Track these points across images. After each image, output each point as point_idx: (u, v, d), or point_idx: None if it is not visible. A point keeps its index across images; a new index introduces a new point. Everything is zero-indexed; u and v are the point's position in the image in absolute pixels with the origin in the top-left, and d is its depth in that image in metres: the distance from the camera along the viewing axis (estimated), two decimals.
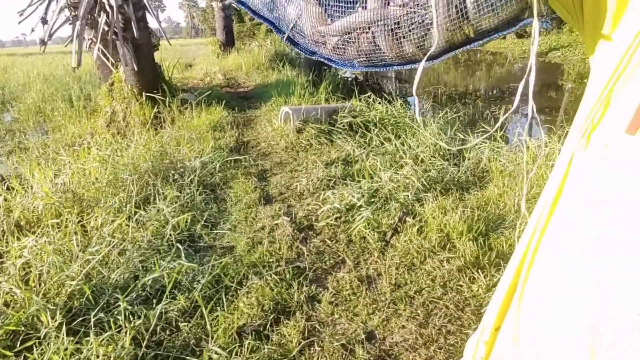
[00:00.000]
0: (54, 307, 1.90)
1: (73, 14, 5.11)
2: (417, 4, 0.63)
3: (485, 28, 0.62)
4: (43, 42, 4.84)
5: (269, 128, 5.22)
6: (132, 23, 5.07)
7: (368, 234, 2.61)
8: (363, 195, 3.03)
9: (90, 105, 6.84)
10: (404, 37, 0.67)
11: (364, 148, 4.10)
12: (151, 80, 5.83)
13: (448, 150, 3.87)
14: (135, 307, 1.99)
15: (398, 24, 0.66)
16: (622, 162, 0.44)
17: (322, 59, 0.79)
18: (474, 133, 4.00)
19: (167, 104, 5.72)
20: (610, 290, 0.43)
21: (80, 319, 1.88)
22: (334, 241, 2.66)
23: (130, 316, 1.93)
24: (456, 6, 0.61)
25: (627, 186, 0.43)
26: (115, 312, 1.94)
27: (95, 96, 6.99)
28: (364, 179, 3.32)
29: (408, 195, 3.00)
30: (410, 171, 3.33)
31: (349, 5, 0.68)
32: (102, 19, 5.06)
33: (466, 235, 2.46)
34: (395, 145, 3.97)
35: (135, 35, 5.11)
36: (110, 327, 1.82)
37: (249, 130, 5.44)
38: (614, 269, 0.43)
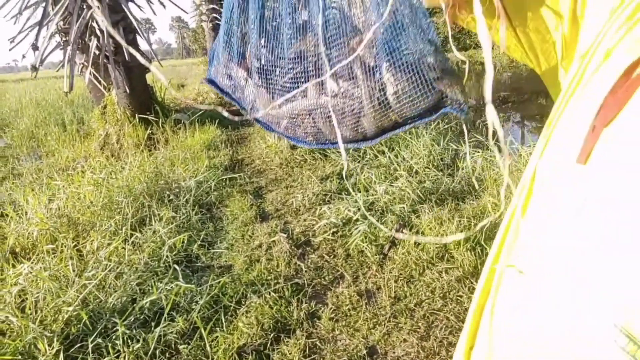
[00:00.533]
0: (51, 334, 1.87)
1: (64, 39, 5.15)
2: (345, 95, 0.69)
3: (409, 115, 0.67)
4: (34, 68, 4.87)
5: (262, 145, 5.24)
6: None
7: (366, 248, 2.61)
8: (359, 209, 3.04)
9: (83, 128, 6.85)
10: (339, 123, 0.73)
11: (358, 162, 4.12)
12: (144, 102, 5.86)
13: (441, 159, 3.90)
14: (134, 331, 1.97)
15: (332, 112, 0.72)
16: (574, 190, 0.45)
17: (280, 135, 0.85)
18: (466, 143, 4.03)
19: (160, 125, 5.74)
20: (585, 303, 0.42)
21: (78, 345, 1.85)
22: (332, 256, 2.65)
23: (129, 340, 1.90)
24: (378, 98, 0.66)
25: (583, 211, 0.44)
26: (114, 337, 1.92)
27: (88, 119, 7.00)
28: (360, 192, 3.33)
29: (404, 207, 3.01)
30: (405, 183, 3.35)
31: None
32: (93, 43, 5.10)
33: (463, 245, 2.47)
34: (389, 157, 4.00)
35: (127, 58, 5.15)
36: (108, 352, 1.80)
37: (243, 148, 5.46)
38: (590, 280, 0.43)
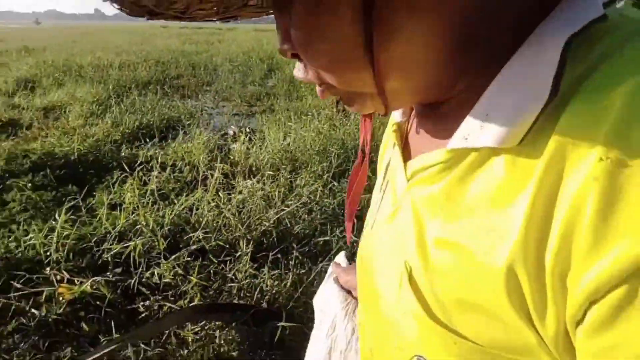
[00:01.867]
0: (250, 238, 2.44)
1: None
2: None
3: None
4: None
5: None
6: None
7: None
8: None
9: None
10: None
11: None
12: None
13: None
14: (305, 259, 2.38)
15: None
16: None
17: None
18: None
19: None
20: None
21: (263, 253, 2.37)
22: None
23: (299, 265, 2.32)
24: None
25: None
26: (289, 257, 2.37)
27: None
28: None
29: None
30: None
31: None
32: None
33: None
34: None
35: None
36: (281, 268, 2.25)
37: None
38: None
